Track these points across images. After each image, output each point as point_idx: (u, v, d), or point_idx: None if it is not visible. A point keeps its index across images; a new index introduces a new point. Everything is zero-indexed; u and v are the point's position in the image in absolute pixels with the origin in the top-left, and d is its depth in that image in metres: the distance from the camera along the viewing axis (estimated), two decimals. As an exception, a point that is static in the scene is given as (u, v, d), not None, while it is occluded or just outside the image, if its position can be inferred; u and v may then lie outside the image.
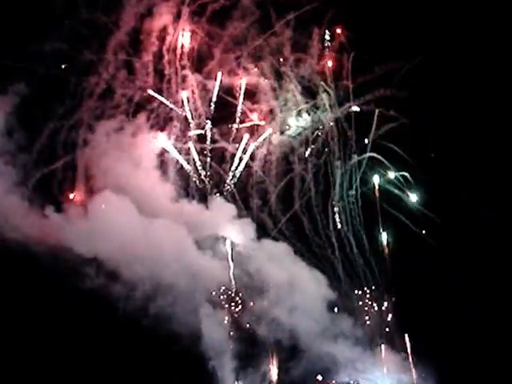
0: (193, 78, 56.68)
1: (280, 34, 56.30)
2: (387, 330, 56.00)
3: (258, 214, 58.69)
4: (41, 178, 55.20)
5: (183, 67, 56.60)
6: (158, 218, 54.07)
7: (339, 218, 59.84)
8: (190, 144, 57.06)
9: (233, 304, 54.68)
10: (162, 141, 56.54)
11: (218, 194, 57.82)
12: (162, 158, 57.04)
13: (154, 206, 54.29)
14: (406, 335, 55.07)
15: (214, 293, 53.89)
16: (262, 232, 57.65)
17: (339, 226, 59.30)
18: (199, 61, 57.11)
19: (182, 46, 56.33)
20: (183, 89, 56.86)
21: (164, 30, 56.21)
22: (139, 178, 54.68)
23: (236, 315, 54.22)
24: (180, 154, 57.68)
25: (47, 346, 49.35)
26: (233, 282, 54.67)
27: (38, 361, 48.89)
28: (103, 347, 49.05)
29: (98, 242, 51.86)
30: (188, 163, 57.65)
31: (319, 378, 50.60)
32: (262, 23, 56.02)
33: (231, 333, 52.66)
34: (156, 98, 56.88)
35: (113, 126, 55.97)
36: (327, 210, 59.66)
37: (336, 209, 59.24)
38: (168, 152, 56.81)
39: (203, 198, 57.37)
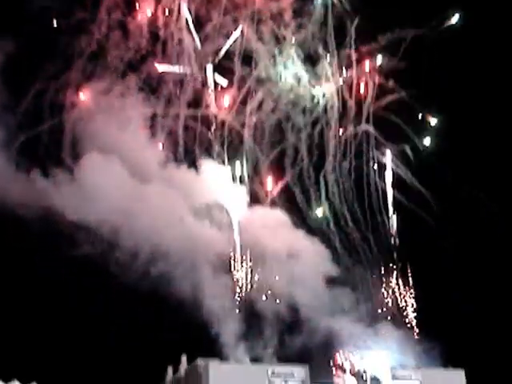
0: (189, 41, 54.58)
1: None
2: (391, 305, 55.48)
3: (249, 182, 57.52)
4: (26, 140, 53.71)
5: (180, 30, 54.40)
6: (150, 183, 52.98)
7: (332, 190, 58.75)
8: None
9: (235, 272, 53.69)
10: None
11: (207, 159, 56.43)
12: (152, 121, 55.51)
13: (143, 170, 52.96)
14: (411, 309, 54.93)
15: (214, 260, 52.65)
16: (254, 201, 56.56)
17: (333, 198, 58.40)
18: (197, 24, 55.03)
19: (179, 8, 53.93)
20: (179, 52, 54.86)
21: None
22: (127, 141, 53.10)
23: (238, 283, 53.36)
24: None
25: (40, 313, 48.25)
26: (235, 249, 53.82)
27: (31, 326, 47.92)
28: (100, 315, 48.04)
29: (88, 207, 50.42)
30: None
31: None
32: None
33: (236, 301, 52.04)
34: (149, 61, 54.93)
35: (102, 87, 54.34)
36: (319, 182, 58.51)
37: (330, 180, 58.19)
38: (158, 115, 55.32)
39: (193, 163, 56.04)
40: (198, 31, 54.82)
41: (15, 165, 51.58)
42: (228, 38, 54.73)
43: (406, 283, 55.83)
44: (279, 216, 55.32)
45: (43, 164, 53.09)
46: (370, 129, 57.97)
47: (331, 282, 52.42)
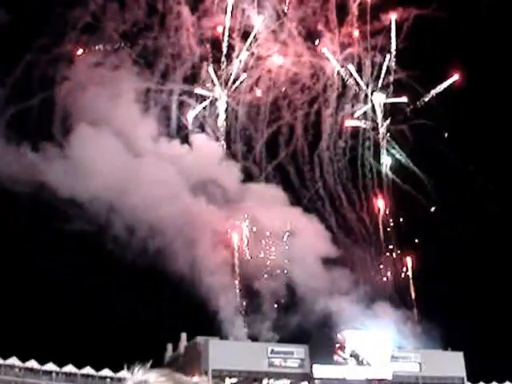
0: (188, 16, 53.62)
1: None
2: (390, 286, 55.32)
3: (242, 159, 57.03)
4: (16, 113, 52.69)
5: (178, 3, 53.40)
6: (143, 158, 52.38)
7: (327, 169, 58.47)
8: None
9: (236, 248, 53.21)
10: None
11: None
12: (145, 96, 54.72)
13: (136, 145, 52.36)
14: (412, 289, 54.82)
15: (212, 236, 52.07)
16: (248, 179, 56.18)
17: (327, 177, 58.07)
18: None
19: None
20: (177, 26, 53.85)
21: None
22: (120, 115, 52.21)
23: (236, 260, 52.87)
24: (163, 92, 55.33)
25: (34, 288, 47.19)
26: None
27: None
28: (98, 293, 47.06)
29: (80, 182, 49.81)
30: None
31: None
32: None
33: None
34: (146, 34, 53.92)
35: (94, 59, 53.39)
36: (313, 162, 58.13)
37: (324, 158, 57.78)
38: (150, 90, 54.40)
39: (185, 138, 55.56)
40: (197, 5, 54.00)
41: (5, 138, 50.80)
42: (228, 12, 53.84)
43: (404, 262, 55.80)
44: (275, 193, 54.91)
45: (34, 138, 52.22)
46: (368, 108, 57.69)
47: (329, 261, 52.32)
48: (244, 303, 50.56)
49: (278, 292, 51.23)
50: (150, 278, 47.23)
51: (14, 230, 46.73)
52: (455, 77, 55.33)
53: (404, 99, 56.29)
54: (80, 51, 53.49)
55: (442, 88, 55.79)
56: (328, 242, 52.50)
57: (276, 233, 53.15)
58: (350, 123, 57.82)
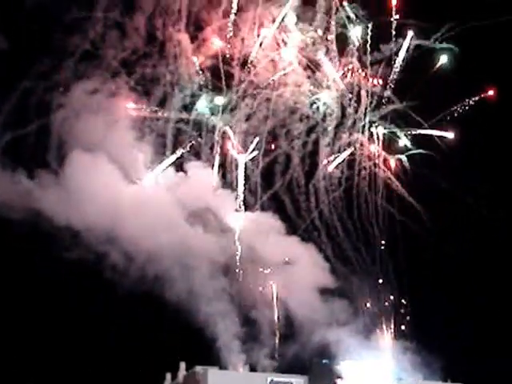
0: (188, 44, 53.72)
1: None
2: (389, 317, 54.89)
3: (238, 188, 56.54)
4: (11, 140, 51.82)
5: (178, 31, 53.51)
6: (138, 186, 52.30)
7: (322, 199, 58.19)
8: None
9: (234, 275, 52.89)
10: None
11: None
12: (141, 123, 54.38)
13: (130, 172, 52.23)
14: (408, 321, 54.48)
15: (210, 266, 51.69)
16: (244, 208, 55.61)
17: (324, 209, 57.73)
18: (195, 26, 54.12)
19: (180, 11, 53.07)
20: (176, 54, 53.88)
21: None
22: (115, 142, 51.96)
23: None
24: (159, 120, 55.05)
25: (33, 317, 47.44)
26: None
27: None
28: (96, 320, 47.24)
29: (76, 210, 49.39)
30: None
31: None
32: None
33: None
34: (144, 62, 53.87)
35: (90, 87, 52.65)
36: (309, 192, 57.86)
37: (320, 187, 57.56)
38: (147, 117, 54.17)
39: (180, 166, 55.05)
40: (197, 33, 54.05)
41: (0, 164, 50.15)
42: (227, 41, 53.97)
43: (402, 294, 55.52)
44: (271, 222, 54.49)
45: (29, 165, 51.70)
46: (365, 138, 57.70)
47: (327, 291, 51.93)
48: (242, 331, 50.27)
49: (275, 321, 51.08)
50: (148, 306, 47.23)
51: (10, 258, 47.02)
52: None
53: (402, 129, 56.39)
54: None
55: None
56: (326, 272, 52.35)
57: (273, 262, 52.71)
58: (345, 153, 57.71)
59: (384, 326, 53.60)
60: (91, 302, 48.38)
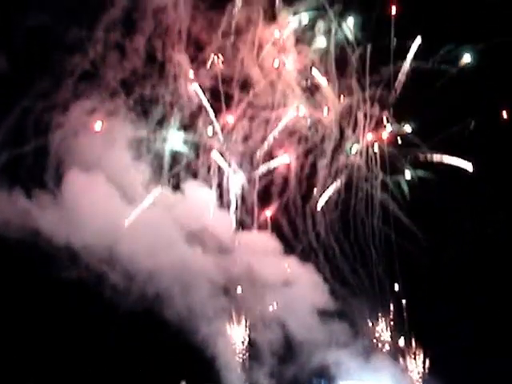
0: (187, 65, 53.88)
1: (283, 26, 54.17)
2: (390, 339, 54.79)
3: (235, 209, 56.41)
4: (9, 160, 51.61)
5: (178, 51, 53.71)
6: (136, 205, 52.06)
7: (320, 220, 58.05)
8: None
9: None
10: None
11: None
12: (138, 143, 54.33)
13: (128, 192, 52.20)
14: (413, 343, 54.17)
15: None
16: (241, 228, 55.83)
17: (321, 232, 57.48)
18: (195, 47, 54.38)
19: (180, 32, 53.28)
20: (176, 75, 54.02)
21: (161, 10, 53.14)
22: (112, 163, 52.13)
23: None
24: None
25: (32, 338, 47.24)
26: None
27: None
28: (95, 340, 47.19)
29: (74, 230, 49.49)
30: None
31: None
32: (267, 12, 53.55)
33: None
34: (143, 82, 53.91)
35: (89, 106, 52.88)
36: (305, 214, 57.73)
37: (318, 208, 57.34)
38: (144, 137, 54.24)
39: (177, 186, 55.21)
40: (197, 54, 54.34)
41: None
42: (226, 62, 54.19)
43: (401, 318, 55.39)
44: (269, 242, 54.72)
45: (27, 185, 51.52)
46: (362, 162, 57.69)
47: (326, 313, 51.90)
48: (242, 350, 50.11)
49: (274, 342, 50.95)
50: (148, 325, 47.18)
51: (8, 277, 46.95)
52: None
53: (400, 151, 56.40)
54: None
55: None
56: (325, 293, 52.25)
57: (272, 282, 52.52)
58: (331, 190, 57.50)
59: (383, 347, 53.73)
60: (91, 321, 48.23)
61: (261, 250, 53.35)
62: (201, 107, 54.29)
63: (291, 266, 53.26)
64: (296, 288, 52.30)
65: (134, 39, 53.58)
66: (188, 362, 46.80)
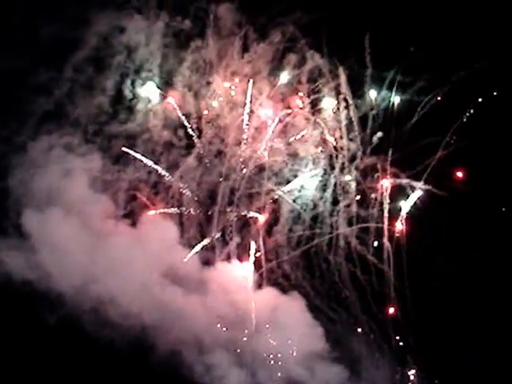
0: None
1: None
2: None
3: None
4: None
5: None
6: (103, 239, 50.57)
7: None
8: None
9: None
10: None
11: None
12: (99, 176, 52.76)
13: (92, 227, 50.80)
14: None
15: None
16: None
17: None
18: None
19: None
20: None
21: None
22: (72, 195, 50.99)
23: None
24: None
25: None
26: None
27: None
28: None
29: (50, 271, 48.82)
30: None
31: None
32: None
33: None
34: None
35: (47, 144, 51.85)
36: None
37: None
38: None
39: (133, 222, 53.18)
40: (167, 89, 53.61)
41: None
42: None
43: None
44: (244, 273, 52.49)
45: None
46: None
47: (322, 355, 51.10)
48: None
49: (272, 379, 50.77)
50: (143, 365, 48.13)
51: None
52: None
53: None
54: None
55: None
56: (320, 336, 51.38)
57: (258, 320, 51.50)
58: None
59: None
60: (80, 364, 48.39)
61: (236, 283, 52.00)
62: (167, 143, 53.05)
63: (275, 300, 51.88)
64: (284, 327, 51.40)
65: (102, 77, 52.77)
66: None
